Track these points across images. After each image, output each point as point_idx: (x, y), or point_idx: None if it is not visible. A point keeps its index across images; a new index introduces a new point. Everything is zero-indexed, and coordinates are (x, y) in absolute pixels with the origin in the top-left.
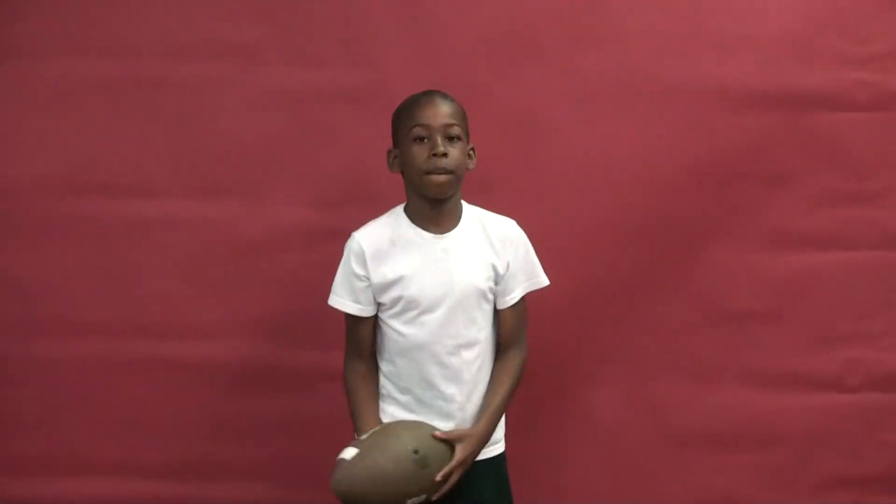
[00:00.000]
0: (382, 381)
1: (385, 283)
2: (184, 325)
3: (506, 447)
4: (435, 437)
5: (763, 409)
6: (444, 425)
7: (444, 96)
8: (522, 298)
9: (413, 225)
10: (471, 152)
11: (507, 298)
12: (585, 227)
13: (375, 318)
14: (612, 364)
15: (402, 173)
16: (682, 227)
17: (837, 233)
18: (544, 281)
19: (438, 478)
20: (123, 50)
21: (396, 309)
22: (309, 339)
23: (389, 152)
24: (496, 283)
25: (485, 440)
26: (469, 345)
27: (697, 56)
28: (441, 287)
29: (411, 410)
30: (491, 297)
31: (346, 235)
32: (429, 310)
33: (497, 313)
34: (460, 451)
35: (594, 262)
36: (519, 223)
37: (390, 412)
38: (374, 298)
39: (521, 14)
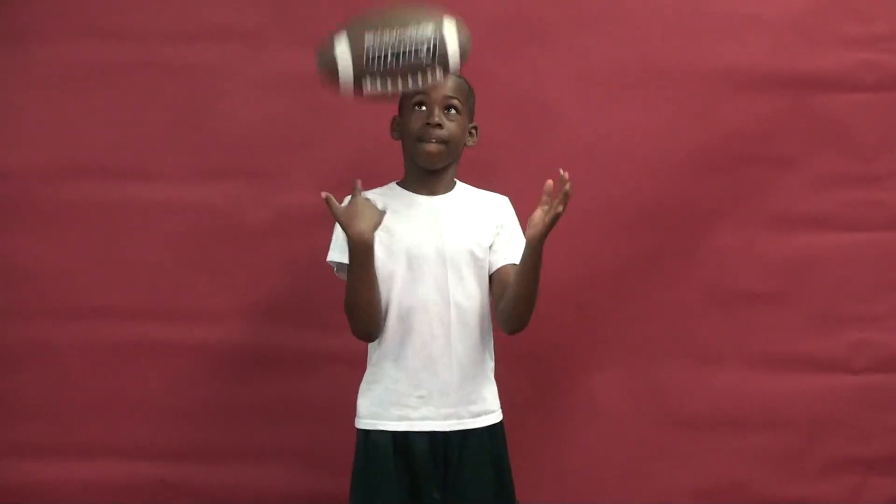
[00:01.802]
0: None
1: (378, 238)
2: (188, 308)
3: (509, 432)
4: None
5: (768, 392)
6: (422, 388)
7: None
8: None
9: (405, 191)
10: (472, 130)
11: (498, 260)
12: (590, 210)
13: None
14: (616, 348)
15: (401, 140)
16: (687, 210)
17: (843, 215)
18: None
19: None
20: (128, 33)
21: (390, 267)
22: (314, 323)
23: (394, 119)
24: (489, 249)
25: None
26: (459, 308)
27: (702, 38)
28: (432, 242)
29: (396, 380)
30: (483, 263)
31: None
32: (420, 266)
33: (492, 289)
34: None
35: (599, 245)
36: (523, 207)
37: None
38: None
39: None
